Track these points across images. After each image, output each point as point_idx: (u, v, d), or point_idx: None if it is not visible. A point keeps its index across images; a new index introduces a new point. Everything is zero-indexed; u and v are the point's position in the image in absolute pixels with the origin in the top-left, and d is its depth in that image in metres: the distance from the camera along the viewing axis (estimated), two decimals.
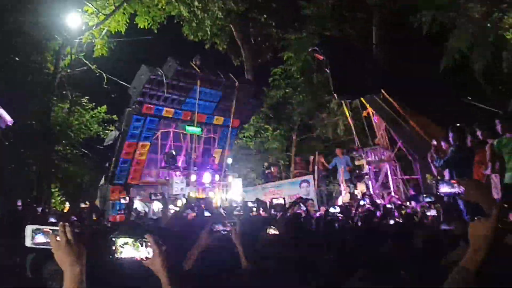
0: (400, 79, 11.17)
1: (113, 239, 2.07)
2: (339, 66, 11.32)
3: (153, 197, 7.02)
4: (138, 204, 12.24)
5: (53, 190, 17.80)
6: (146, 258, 2.06)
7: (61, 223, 2.02)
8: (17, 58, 12.26)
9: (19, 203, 6.72)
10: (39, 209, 8.42)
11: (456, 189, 2.78)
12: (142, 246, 2.06)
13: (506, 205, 1.95)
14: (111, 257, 2.07)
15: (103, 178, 13.78)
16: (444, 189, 2.86)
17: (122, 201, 9.72)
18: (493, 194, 6.44)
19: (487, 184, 6.60)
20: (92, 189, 16.34)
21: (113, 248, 2.05)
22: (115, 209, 12.53)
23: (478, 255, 1.66)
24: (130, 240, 2.06)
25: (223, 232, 3.11)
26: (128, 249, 2.05)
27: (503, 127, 6.62)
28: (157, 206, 12.13)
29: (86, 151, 18.04)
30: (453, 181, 2.85)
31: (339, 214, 6.01)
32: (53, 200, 17.87)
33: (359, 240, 4.76)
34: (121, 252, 2.05)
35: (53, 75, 14.53)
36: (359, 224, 5.47)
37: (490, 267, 1.72)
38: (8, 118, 4.66)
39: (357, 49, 13.32)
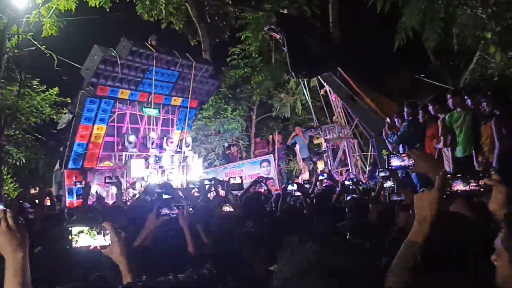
0: (356, 57, 11.28)
1: (69, 228, 2.01)
2: (296, 44, 11.31)
3: (107, 181, 6.87)
4: (96, 189, 12.00)
5: (5, 176, 17.17)
6: (103, 246, 2.00)
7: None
8: None
9: None
10: None
11: (406, 162, 2.83)
12: (99, 234, 2.01)
13: (449, 175, 1.98)
14: (67, 247, 2.00)
15: (57, 163, 13.40)
16: (395, 162, 2.91)
17: (78, 185, 9.49)
18: (445, 167, 6.66)
19: (437, 157, 6.81)
20: (48, 174, 15.87)
21: (70, 237, 1.99)
22: (72, 194, 12.23)
23: (424, 227, 1.65)
24: (85, 228, 2.01)
25: (170, 215, 3.11)
26: (84, 238, 2.00)
27: (454, 102, 6.82)
28: (115, 190, 11.94)
29: (39, 136, 17.44)
30: (403, 154, 2.90)
31: (296, 192, 6.05)
32: (6, 187, 17.24)
33: (317, 216, 4.83)
34: (76, 241, 1.99)
35: None
36: (317, 200, 5.52)
37: (436, 237, 1.73)
38: None
39: (313, 27, 13.35)
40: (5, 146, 14.61)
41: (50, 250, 3.03)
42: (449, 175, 2.01)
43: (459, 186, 2.04)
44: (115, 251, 1.98)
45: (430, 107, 7.23)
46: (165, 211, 3.06)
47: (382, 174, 5.76)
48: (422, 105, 7.68)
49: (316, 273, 1.29)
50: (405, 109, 7.89)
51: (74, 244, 1.98)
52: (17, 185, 18.54)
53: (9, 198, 9.64)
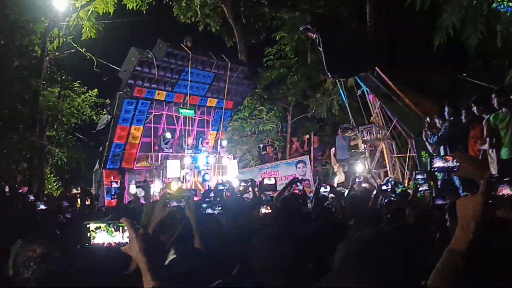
0: (394, 56, 10.99)
1: (87, 225, 1.96)
2: (332, 45, 11.14)
3: (137, 185, 6.97)
4: (134, 189, 12.20)
5: (48, 176, 17.74)
6: (120, 243, 1.95)
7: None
8: (2, 42, 12.04)
9: (7, 188, 6.64)
10: (31, 196, 8.35)
11: (449, 164, 2.69)
12: (116, 230, 1.95)
13: (495, 178, 1.86)
14: (87, 244, 1.96)
15: (97, 163, 13.72)
16: (438, 163, 2.78)
17: (114, 185, 9.68)
18: (490, 169, 6.37)
19: (482, 159, 6.52)
20: (89, 174, 16.29)
21: (87, 234, 1.95)
22: (110, 193, 12.48)
23: (467, 235, 1.55)
24: (102, 225, 1.96)
25: (176, 207, 3.11)
26: (101, 234, 1.95)
27: (499, 102, 6.51)
28: (152, 190, 12.10)
29: (80, 136, 17.92)
30: (447, 156, 2.77)
31: (330, 194, 5.91)
32: (49, 186, 17.81)
33: (352, 220, 4.69)
34: (93, 238, 1.94)
35: (41, 59, 14.33)
36: (351, 204, 5.37)
37: (481, 245, 1.62)
38: None
39: (349, 26, 13.13)
40: (46, 146, 15.07)
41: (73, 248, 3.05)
42: (494, 179, 1.89)
43: (505, 190, 1.92)
44: (134, 248, 1.91)
45: (474, 108, 6.93)
46: (172, 203, 3.05)
47: (419, 176, 5.53)
48: (465, 106, 7.38)
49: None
50: (446, 109, 7.60)
51: (91, 241, 1.94)
52: (60, 184, 19.13)
53: (46, 197, 9.92)
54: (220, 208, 3.66)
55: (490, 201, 1.63)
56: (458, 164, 2.46)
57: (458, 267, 1.51)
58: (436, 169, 2.68)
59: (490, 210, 1.60)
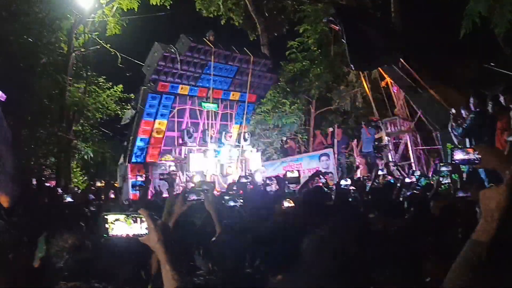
0: (419, 47, 10.80)
1: (105, 216, 2.00)
2: (355, 36, 11.01)
3: (161, 177, 7.07)
4: (159, 183, 12.35)
5: (75, 170, 18.11)
6: (139, 234, 1.98)
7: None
8: (30, 39, 12.31)
9: (34, 181, 6.81)
10: (59, 189, 8.55)
11: (471, 156, 2.63)
12: (135, 222, 1.99)
13: None
14: (105, 235, 2.01)
15: (121, 157, 13.93)
16: (458, 156, 2.71)
17: (139, 179, 9.83)
18: None
19: (508, 151, 6.38)
20: (114, 168, 16.55)
21: (106, 225, 1.98)
22: (134, 187, 12.65)
23: (491, 226, 1.53)
24: (121, 216, 1.99)
25: (196, 201, 3.13)
26: (120, 226, 1.98)
27: None
28: (176, 183, 12.23)
29: (106, 131, 18.20)
30: (468, 149, 2.71)
31: (351, 187, 5.87)
32: (76, 180, 18.17)
33: (373, 213, 4.65)
34: (112, 229, 1.98)
35: (67, 55, 14.61)
36: (372, 196, 5.33)
37: (505, 238, 1.60)
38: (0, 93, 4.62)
39: (373, 17, 12.95)
40: (73, 141, 15.38)
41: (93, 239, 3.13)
42: None
43: None
44: (152, 238, 1.95)
45: (501, 98, 6.76)
46: (192, 197, 3.07)
47: (444, 168, 5.44)
48: (492, 96, 7.21)
49: None
50: (471, 100, 7.44)
51: (110, 232, 1.98)
52: (86, 178, 19.50)
53: (76, 190, 10.14)
54: (242, 200, 3.70)
55: None
56: (479, 156, 2.40)
57: (480, 258, 1.50)
58: (457, 161, 2.62)
59: None
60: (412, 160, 12.62)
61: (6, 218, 3.82)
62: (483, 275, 1.53)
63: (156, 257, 2.02)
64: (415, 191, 6.09)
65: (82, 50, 15.79)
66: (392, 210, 4.80)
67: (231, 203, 3.71)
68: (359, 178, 10.55)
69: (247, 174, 8.00)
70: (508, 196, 1.55)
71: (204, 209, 3.29)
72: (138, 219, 1.98)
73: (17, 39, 11.83)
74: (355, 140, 14.96)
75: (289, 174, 6.31)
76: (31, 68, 12.40)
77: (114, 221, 1.98)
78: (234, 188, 6.05)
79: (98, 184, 7.52)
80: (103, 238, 2.01)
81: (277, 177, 6.84)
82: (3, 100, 4.58)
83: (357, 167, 14.02)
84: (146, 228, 1.97)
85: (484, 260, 1.50)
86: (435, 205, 4.44)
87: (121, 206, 6.47)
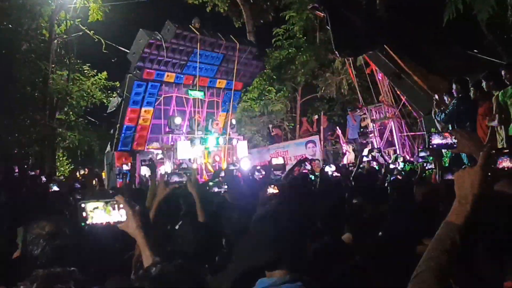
0: (403, 33, 10.84)
1: (82, 205, 1.96)
2: (340, 23, 11.01)
3: (142, 163, 7.05)
4: (144, 170, 12.33)
5: (61, 158, 17.97)
6: (119, 221, 1.97)
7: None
8: (10, 25, 12.11)
9: (16, 169, 6.73)
10: (43, 178, 8.48)
11: (448, 140, 2.68)
12: (114, 209, 1.97)
13: (494, 151, 1.83)
14: (83, 224, 1.97)
15: (108, 145, 13.87)
16: (436, 140, 2.77)
17: (125, 167, 9.80)
18: (498, 146, 6.33)
19: (490, 135, 6.49)
20: (101, 157, 16.46)
21: (84, 214, 1.95)
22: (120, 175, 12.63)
23: (465, 208, 1.51)
24: (100, 204, 1.96)
25: (178, 183, 3.14)
26: (99, 214, 1.96)
27: (509, 77, 6.44)
28: (163, 170, 12.23)
29: (92, 119, 18.05)
30: (445, 133, 2.76)
31: (335, 173, 5.93)
32: (62, 168, 18.05)
33: (357, 198, 4.72)
34: (92, 218, 1.95)
35: (49, 42, 14.40)
36: (356, 182, 5.39)
37: (479, 219, 1.60)
38: None
39: (358, 4, 12.93)
40: (56, 129, 15.23)
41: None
42: (494, 151, 1.86)
43: (505, 163, 1.88)
44: (131, 224, 1.96)
45: (484, 83, 6.85)
46: (175, 179, 3.09)
47: (422, 154, 5.52)
48: (474, 82, 7.31)
49: None
50: (454, 86, 7.53)
51: (89, 221, 1.95)
52: (72, 166, 19.36)
53: (61, 179, 10.08)
54: (226, 186, 3.73)
55: (489, 174, 1.60)
56: (456, 140, 2.45)
57: (454, 240, 1.48)
58: (434, 145, 2.67)
59: (489, 183, 1.58)
60: (396, 146, 12.76)
61: None
62: (457, 258, 1.54)
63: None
64: (398, 177, 6.17)
65: (64, 36, 15.56)
66: (376, 195, 4.87)
67: (215, 189, 3.74)
68: (345, 164, 10.66)
69: (234, 161, 8.02)
70: (482, 178, 1.53)
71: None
72: (117, 206, 1.97)
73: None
74: (337, 128, 15.04)
75: (274, 161, 6.36)
76: (12, 54, 12.20)
77: (93, 209, 1.95)
78: (221, 175, 6.08)
79: (82, 172, 7.47)
80: (81, 226, 1.99)
81: (263, 166, 6.88)
82: None
83: (344, 154, 14.15)
84: (125, 215, 1.96)
85: (458, 242, 1.48)
86: (418, 191, 4.51)
87: (104, 193, 6.46)
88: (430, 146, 2.72)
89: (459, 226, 1.50)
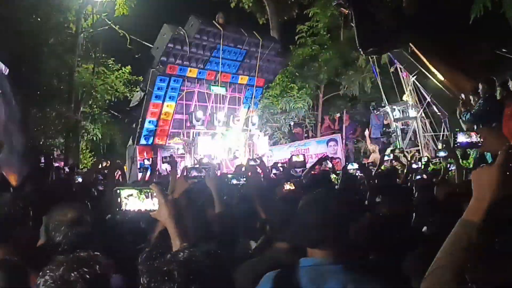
0: (429, 32, 10.64)
1: (118, 191, 2.04)
2: (365, 19, 10.89)
3: (163, 160, 7.14)
4: (165, 166, 12.43)
5: (84, 151, 18.26)
6: (151, 209, 2.03)
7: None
8: (39, 19, 12.35)
9: (42, 160, 6.87)
10: (67, 168, 8.64)
11: (473, 139, 2.63)
12: (147, 198, 2.04)
13: None
14: (117, 209, 2.05)
15: (130, 139, 14.04)
16: (461, 139, 2.72)
17: (146, 162, 9.89)
18: None
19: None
20: (123, 150, 16.69)
21: (118, 200, 2.03)
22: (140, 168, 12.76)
23: (481, 206, 1.49)
24: (134, 192, 2.04)
25: (197, 178, 3.16)
26: (133, 201, 2.04)
27: None
28: (183, 165, 12.30)
29: (115, 113, 18.28)
30: (471, 132, 2.71)
31: (358, 172, 5.88)
32: (85, 161, 18.34)
33: (379, 197, 4.67)
34: (126, 204, 2.02)
35: (75, 36, 14.64)
36: (379, 181, 5.34)
37: (495, 218, 1.59)
38: (2, 66, 4.61)
39: (384, 0, 12.78)
40: (81, 121, 15.48)
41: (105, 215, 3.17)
42: None
43: None
44: (162, 213, 2.00)
45: (510, 84, 6.70)
46: (193, 173, 3.11)
47: (442, 153, 5.42)
48: (500, 82, 7.15)
49: None
50: (480, 86, 7.37)
51: (123, 207, 2.02)
52: (95, 159, 19.64)
53: (83, 171, 10.27)
54: (244, 179, 3.74)
55: (508, 173, 1.58)
56: (481, 139, 2.40)
57: (470, 237, 1.47)
58: (459, 144, 2.62)
59: (507, 182, 1.56)
60: (420, 146, 12.57)
61: (15, 194, 3.88)
62: (474, 256, 1.52)
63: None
64: (424, 176, 6.11)
65: (91, 30, 15.80)
66: (398, 194, 4.81)
67: (234, 181, 3.76)
68: (366, 163, 10.55)
69: (256, 157, 8.02)
70: (500, 176, 1.52)
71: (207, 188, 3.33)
72: (150, 195, 2.03)
73: (26, 18, 11.87)
74: (366, 129, 14.88)
75: (294, 158, 6.34)
76: (40, 47, 12.44)
77: (128, 196, 2.02)
78: (243, 170, 6.10)
79: (104, 163, 7.57)
80: (116, 212, 2.06)
81: (284, 163, 6.89)
82: (6, 74, 4.61)
83: (370, 153, 14.01)
84: (157, 204, 2.02)
85: (475, 240, 1.47)
86: (440, 191, 4.44)
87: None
88: (456, 145, 2.67)
89: (475, 223, 1.49)
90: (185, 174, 3.10)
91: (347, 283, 1.85)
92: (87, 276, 1.48)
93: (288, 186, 4.65)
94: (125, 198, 2.02)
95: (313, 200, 2.10)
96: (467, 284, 1.49)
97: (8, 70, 4.64)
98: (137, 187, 2.13)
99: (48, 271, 1.51)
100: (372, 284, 1.92)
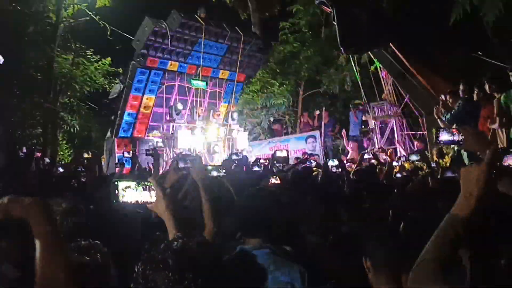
0: (409, 33, 10.83)
1: (115, 182, 2.05)
2: (346, 19, 11.00)
3: (146, 153, 7.13)
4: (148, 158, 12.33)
5: (60, 142, 17.98)
6: (148, 202, 2.07)
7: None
8: (18, 7, 12.09)
9: (24, 150, 6.76)
10: (46, 159, 8.51)
11: (455, 137, 2.71)
12: (144, 190, 2.07)
13: (500, 149, 1.88)
14: (114, 201, 2.06)
15: (108, 131, 13.88)
16: (444, 137, 2.79)
17: (126, 155, 9.83)
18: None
19: (490, 138, 6.52)
20: (100, 142, 16.50)
21: (116, 192, 2.04)
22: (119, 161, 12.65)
23: (469, 202, 1.55)
24: (132, 184, 2.06)
25: (183, 169, 3.16)
26: (130, 193, 2.05)
27: None
28: (163, 159, 12.25)
29: (93, 105, 18.05)
30: (453, 129, 2.79)
31: (338, 169, 5.98)
32: (62, 152, 18.07)
33: (357, 194, 4.77)
34: (123, 196, 2.04)
35: (55, 25, 14.38)
36: (358, 178, 5.45)
37: (482, 214, 1.65)
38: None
39: (365, 0, 12.93)
40: (59, 112, 15.25)
41: (98, 207, 3.16)
42: (500, 149, 1.92)
43: (510, 161, 1.94)
44: (160, 206, 2.04)
45: (486, 86, 6.89)
46: (180, 164, 3.11)
47: (414, 157, 5.59)
48: (477, 84, 7.34)
49: None
50: (461, 87, 7.56)
51: (120, 199, 2.03)
52: (71, 151, 19.39)
53: (63, 162, 10.14)
54: (224, 171, 3.77)
55: (494, 171, 1.65)
56: (463, 137, 2.48)
57: (457, 231, 1.52)
58: (441, 142, 2.70)
59: (493, 180, 1.63)
60: (397, 145, 12.80)
61: None
62: (460, 251, 1.58)
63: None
64: (404, 173, 6.27)
65: (71, 21, 15.53)
66: (379, 191, 4.91)
67: (214, 173, 3.78)
68: (348, 161, 10.68)
69: (237, 152, 8.05)
70: (488, 174, 1.58)
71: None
72: (148, 187, 2.07)
73: (4, 5, 11.61)
74: (343, 130, 15.03)
75: (278, 153, 6.40)
76: (19, 36, 12.20)
77: (125, 188, 2.04)
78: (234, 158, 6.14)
79: (85, 155, 7.51)
80: (113, 203, 2.07)
81: (267, 159, 6.94)
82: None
83: (347, 152, 14.15)
84: (155, 196, 2.06)
85: (462, 235, 1.52)
86: (413, 188, 4.59)
87: (108, 177, 6.50)
88: (438, 142, 2.75)
89: (462, 218, 1.54)
90: (175, 165, 3.08)
91: (270, 264, 2.27)
92: (90, 264, 1.49)
93: (274, 180, 4.73)
94: (122, 190, 2.03)
95: (253, 195, 2.52)
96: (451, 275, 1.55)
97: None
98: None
99: None
100: (288, 265, 2.31)
